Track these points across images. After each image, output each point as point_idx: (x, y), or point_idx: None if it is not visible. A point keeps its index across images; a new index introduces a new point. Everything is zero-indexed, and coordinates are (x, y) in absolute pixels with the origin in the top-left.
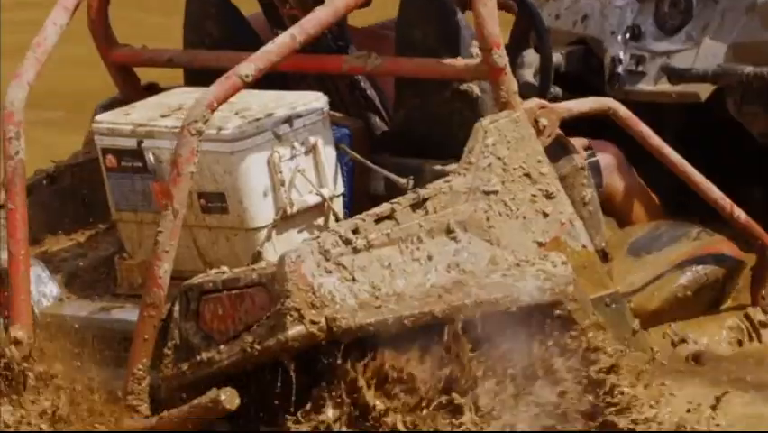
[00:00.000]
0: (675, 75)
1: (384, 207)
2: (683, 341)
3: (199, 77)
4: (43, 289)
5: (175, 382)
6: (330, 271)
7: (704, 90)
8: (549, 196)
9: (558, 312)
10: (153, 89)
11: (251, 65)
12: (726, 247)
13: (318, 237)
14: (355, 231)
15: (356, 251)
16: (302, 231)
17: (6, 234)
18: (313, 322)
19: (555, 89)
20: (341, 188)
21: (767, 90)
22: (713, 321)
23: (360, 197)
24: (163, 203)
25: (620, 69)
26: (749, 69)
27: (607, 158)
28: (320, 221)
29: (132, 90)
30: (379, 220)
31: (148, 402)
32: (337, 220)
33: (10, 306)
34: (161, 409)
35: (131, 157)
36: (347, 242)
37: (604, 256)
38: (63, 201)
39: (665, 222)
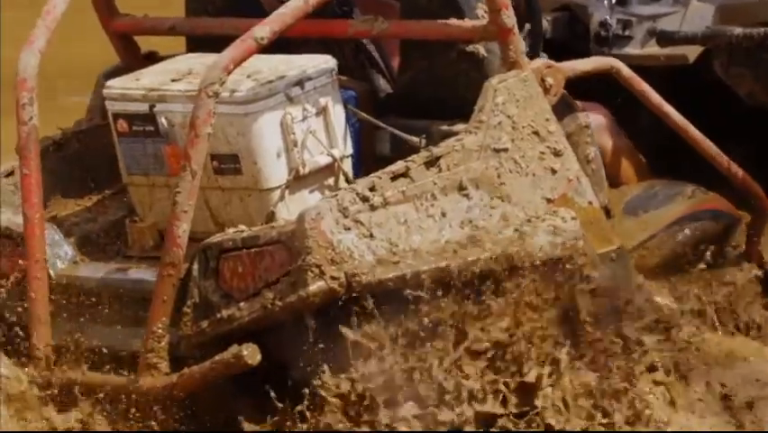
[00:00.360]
0: (664, 38)
1: (399, 165)
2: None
3: (202, 44)
4: (58, 251)
5: (194, 340)
6: (348, 228)
7: (692, 53)
8: (557, 153)
9: (569, 266)
10: (153, 58)
11: (266, 27)
12: (722, 204)
13: (336, 195)
14: (372, 188)
15: (373, 208)
16: (313, 191)
17: (21, 198)
18: (333, 278)
19: (542, 56)
20: (350, 149)
21: (755, 51)
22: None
23: (365, 158)
24: (181, 164)
25: (607, 33)
26: (738, 30)
27: (597, 118)
28: (330, 181)
29: (133, 59)
30: (394, 178)
31: (167, 360)
32: (347, 180)
33: (26, 268)
34: (181, 368)
35: (142, 121)
36: (364, 199)
37: (607, 213)
38: (69, 167)
39: (658, 181)
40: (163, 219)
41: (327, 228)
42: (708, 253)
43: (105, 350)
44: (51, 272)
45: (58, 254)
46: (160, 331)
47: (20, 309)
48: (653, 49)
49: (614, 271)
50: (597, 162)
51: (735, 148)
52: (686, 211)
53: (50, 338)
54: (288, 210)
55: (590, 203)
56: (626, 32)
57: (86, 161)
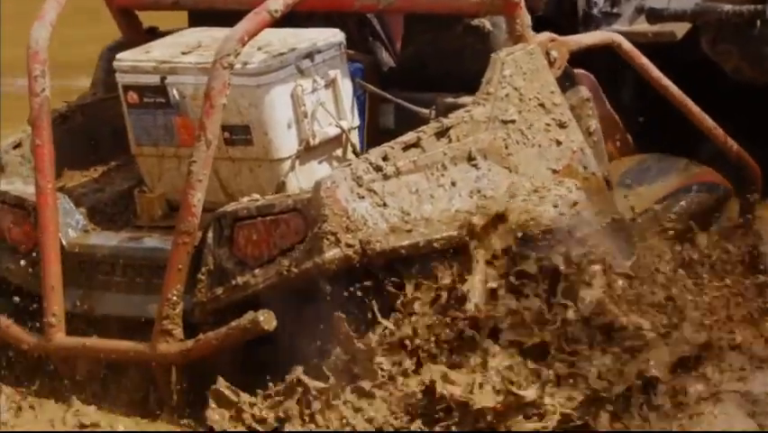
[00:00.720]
0: (653, 15)
1: (411, 136)
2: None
3: (204, 19)
4: (69, 220)
5: (209, 307)
6: (363, 197)
7: (680, 29)
8: (562, 125)
9: (575, 235)
10: (154, 33)
11: (279, 0)
12: (715, 177)
13: (350, 164)
14: (385, 158)
15: (386, 177)
16: (322, 162)
17: (34, 168)
18: (348, 245)
19: None
20: (357, 121)
21: (743, 28)
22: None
23: (369, 130)
24: (196, 134)
25: (595, 11)
26: (727, 6)
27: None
28: (338, 152)
29: (135, 34)
30: (406, 148)
31: (181, 327)
32: (354, 151)
33: (39, 236)
34: (194, 335)
35: (153, 93)
36: (378, 168)
37: (608, 184)
38: (75, 140)
39: (650, 156)
40: (172, 190)
41: (342, 197)
42: (703, 225)
43: (118, 317)
44: (63, 241)
45: (69, 223)
46: (174, 298)
47: (32, 278)
48: (641, 26)
49: (616, 242)
50: (597, 135)
51: (719, 124)
52: (680, 184)
53: (62, 305)
54: (297, 180)
55: (594, 174)
56: (615, 9)
57: (91, 134)
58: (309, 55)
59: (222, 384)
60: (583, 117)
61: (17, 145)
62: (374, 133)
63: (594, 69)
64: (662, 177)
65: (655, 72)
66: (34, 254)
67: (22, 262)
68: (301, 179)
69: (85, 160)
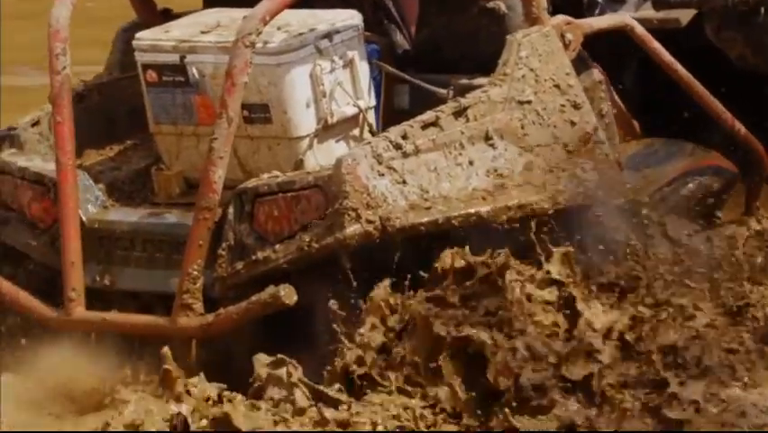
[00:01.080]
0: (660, 1)
1: (429, 115)
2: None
3: (218, 0)
4: (89, 196)
5: (229, 281)
6: (382, 174)
7: (685, 16)
8: (576, 106)
9: (589, 214)
10: (168, 15)
11: None
12: (721, 161)
13: (370, 142)
14: (404, 136)
15: (405, 155)
16: (339, 140)
17: (55, 145)
18: (369, 221)
19: None
20: (373, 101)
21: (747, 16)
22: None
23: (384, 111)
24: (218, 112)
25: None
26: None
27: None
28: (355, 131)
29: (149, 15)
30: (425, 126)
31: (202, 301)
32: (371, 131)
33: (59, 212)
34: (213, 310)
35: (172, 72)
36: (397, 146)
37: (619, 166)
38: (91, 118)
39: (656, 139)
40: (190, 167)
41: (363, 174)
42: (710, 208)
43: (137, 292)
44: (83, 217)
45: (89, 199)
46: (195, 273)
47: (52, 253)
48: (646, 12)
49: (628, 222)
50: (609, 117)
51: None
52: (687, 167)
53: (82, 280)
54: (315, 158)
55: (606, 155)
56: None
57: (108, 113)
58: (328, 35)
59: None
60: (596, 99)
61: (35, 123)
62: (389, 113)
63: (596, 57)
64: (669, 160)
65: (667, 56)
66: (54, 230)
67: (42, 238)
68: (319, 157)
69: (101, 138)
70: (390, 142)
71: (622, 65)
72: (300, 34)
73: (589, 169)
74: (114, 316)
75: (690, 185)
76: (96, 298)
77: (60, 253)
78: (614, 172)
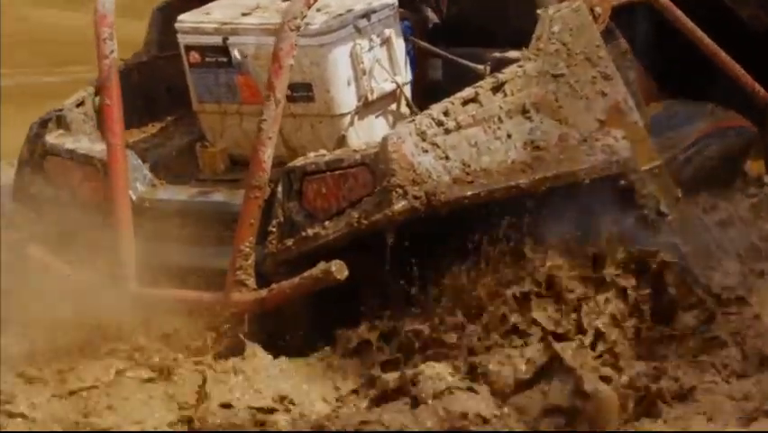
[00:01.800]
0: None
1: (469, 91)
2: (714, 208)
3: None
4: (137, 175)
5: (279, 257)
6: (426, 151)
7: None
8: (606, 77)
9: (623, 182)
10: None
11: None
12: (740, 121)
13: (414, 120)
14: (446, 113)
15: (447, 131)
16: (379, 116)
17: (105, 127)
18: (415, 197)
19: None
20: (409, 76)
21: None
22: (736, 190)
23: (417, 85)
24: (265, 94)
25: None
26: None
27: None
28: (393, 107)
29: None
30: (465, 103)
31: (253, 277)
32: (408, 105)
33: (110, 192)
34: (262, 286)
35: (215, 53)
36: (439, 123)
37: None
38: (132, 97)
39: (674, 101)
40: (234, 144)
41: (408, 151)
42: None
43: (188, 269)
44: (132, 196)
45: (137, 178)
46: (246, 250)
47: (103, 232)
48: None
49: (658, 186)
50: (635, 85)
51: None
52: (709, 128)
53: (134, 257)
54: (356, 134)
55: (636, 122)
56: None
57: (147, 92)
58: (366, 15)
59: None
60: (622, 69)
61: (80, 103)
62: (422, 87)
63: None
64: (690, 122)
65: (689, 23)
66: (104, 209)
67: (93, 217)
68: (360, 133)
69: (142, 117)
70: (433, 119)
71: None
72: (340, 15)
73: (621, 137)
74: (167, 291)
75: (714, 146)
76: (146, 274)
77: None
78: (644, 139)
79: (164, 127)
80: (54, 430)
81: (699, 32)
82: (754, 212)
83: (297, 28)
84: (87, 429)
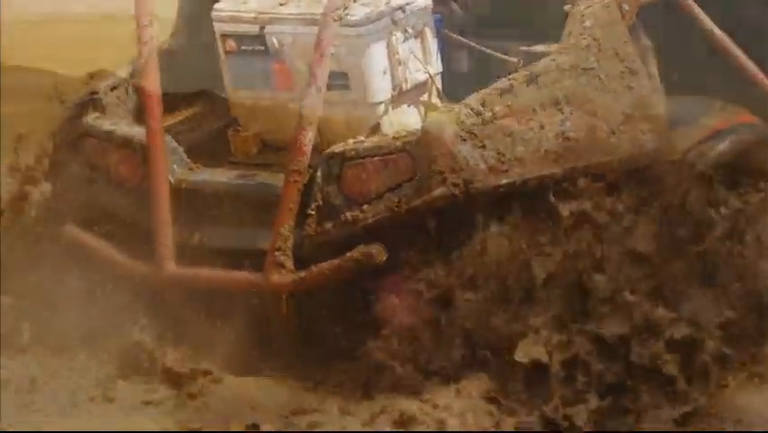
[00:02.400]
0: None
1: (504, 83)
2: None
3: None
4: (174, 158)
5: (318, 240)
6: (465, 140)
7: None
8: (633, 72)
9: (649, 174)
10: None
11: None
12: (751, 117)
13: (453, 109)
14: (483, 104)
15: (484, 121)
16: (411, 105)
17: (145, 111)
18: (454, 184)
19: None
20: (440, 67)
21: None
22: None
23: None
24: (308, 81)
25: None
26: None
27: None
28: (425, 96)
29: None
30: (501, 94)
31: (292, 259)
32: (438, 96)
33: (149, 174)
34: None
35: (251, 41)
36: (477, 113)
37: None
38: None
39: (683, 97)
40: (266, 129)
41: (448, 139)
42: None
43: (223, 250)
44: (170, 178)
45: (174, 161)
46: (286, 232)
47: (140, 212)
48: None
49: (680, 177)
50: (657, 79)
51: None
52: (722, 123)
53: (172, 238)
54: (390, 123)
55: (659, 116)
56: None
57: (176, 77)
58: (402, 8)
59: None
60: (646, 64)
61: (114, 87)
62: (449, 78)
63: None
64: (702, 116)
65: (708, 22)
66: (141, 190)
67: (129, 198)
68: (393, 122)
69: (171, 102)
70: (471, 108)
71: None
72: (378, 7)
73: (647, 130)
74: (206, 271)
75: (727, 141)
76: (182, 255)
77: (148, 211)
78: (665, 132)
79: (195, 113)
80: (54, 430)
81: (718, 31)
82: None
83: (340, 18)
84: (87, 429)
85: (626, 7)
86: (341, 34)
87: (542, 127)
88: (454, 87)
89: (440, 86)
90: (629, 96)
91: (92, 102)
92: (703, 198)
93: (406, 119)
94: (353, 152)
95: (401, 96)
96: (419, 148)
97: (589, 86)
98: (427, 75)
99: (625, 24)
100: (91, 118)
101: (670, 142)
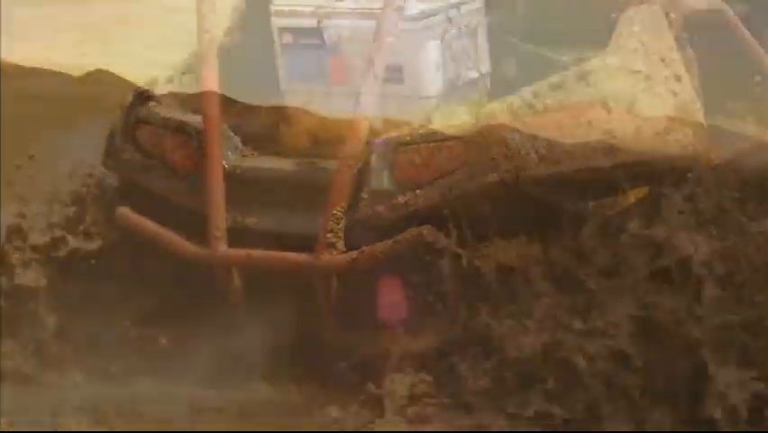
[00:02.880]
0: None
1: (557, 78)
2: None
3: None
4: (229, 144)
5: (369, 224)
6: (517, 129)
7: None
8: (678, 78)
9: (690, 174)
10: None
11: None
12: None
13: (506, 99)
14: (536, 96)
15: (536, 113)
16: (461, 102)
17: (202, 98)
18: (506, 171)
19: None
20: (489, 67)
21: None
22: None
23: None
24: (366, 69)
25: None
26: None
27: None
28: (474, 95)
29: None
30: (553, 88)
31: (343, 240)
32: (487, 94)
33: (205, 159)
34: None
35: (308, 35)
36: (530, 105)
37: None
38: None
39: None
40: (318, 124)
41: (501, 127)
42: None
43: (276, 234)
44: (224, 164)
45: (229, 147)
46: (338, 214)
47: (194, 196)
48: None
49: (718, 183)
50: (698, 89)
51: None
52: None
53: (225, 220)
54: (440, 117)
55: (701, 124)
56: None
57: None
58: (457, 6)
59: None
60: (690, 73)
61: (170, 80)
62: (496, 81)
63: None
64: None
65: (752, 41)
66: (195, 175)
67: (184, 183)
68: (443, 117)
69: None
70: (524, 99)
71: None
72: (435, 4)
73: (690, 135)
74: (258, 252)
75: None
76: (234, 239)
77: (202, 196)
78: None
79: (247, 106)
80: (54, 430)
81: (759, 49)
82: None
83: (400, 9)
84: (85, 429)
85: (672, 15)
86: (398, 28)
87: (590, 124)
88: (500, 91)
89: (489, 84)
90: (673, 100)
91: (148, 92)
92: (738, 207)
93: (457, 115)
94: (408, 138)
95: (452, 92)
96: (473, 135)
97: (635, 88)
98: (478, 73)
99: (672, 32)
100: (148, 106)
101: (709, 150)
